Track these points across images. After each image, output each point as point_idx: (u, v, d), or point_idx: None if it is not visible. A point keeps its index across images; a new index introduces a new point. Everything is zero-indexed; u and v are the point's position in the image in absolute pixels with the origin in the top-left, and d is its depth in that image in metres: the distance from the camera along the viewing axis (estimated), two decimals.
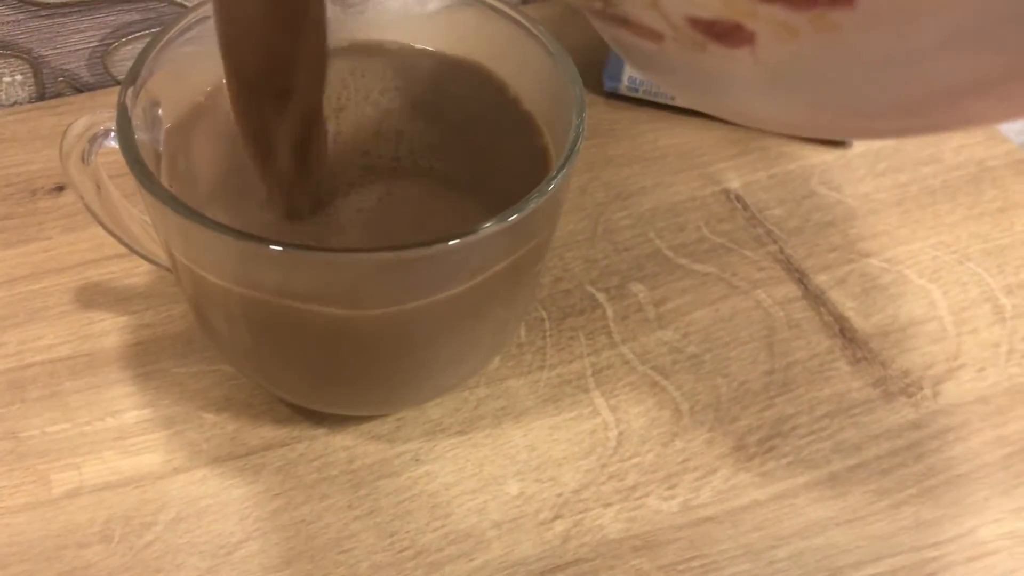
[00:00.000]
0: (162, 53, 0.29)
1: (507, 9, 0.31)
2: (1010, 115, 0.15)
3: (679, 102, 0.44)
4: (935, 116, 0.15)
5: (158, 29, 0.29)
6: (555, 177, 0.26)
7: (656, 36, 0.17)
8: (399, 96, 0.31)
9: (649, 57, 0.18)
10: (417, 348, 0.28)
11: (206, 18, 0.30)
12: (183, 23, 0.30)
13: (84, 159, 0.29)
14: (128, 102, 0.27)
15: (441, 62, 0.32)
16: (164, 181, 0.27)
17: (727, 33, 0.15)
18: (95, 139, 0.29)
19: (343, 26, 0.32)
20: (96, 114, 0.29)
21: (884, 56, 0.14)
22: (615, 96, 0.45)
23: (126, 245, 0.33)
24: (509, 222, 0.25)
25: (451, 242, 0.24)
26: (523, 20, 0.31)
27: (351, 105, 0.31)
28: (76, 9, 0.41)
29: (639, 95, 0.44)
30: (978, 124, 0.16)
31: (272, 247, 0.24)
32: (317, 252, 0.24)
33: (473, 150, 0.30)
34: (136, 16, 0.42)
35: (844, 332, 0.36)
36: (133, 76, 0.28)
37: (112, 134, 0.29)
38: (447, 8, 0.32)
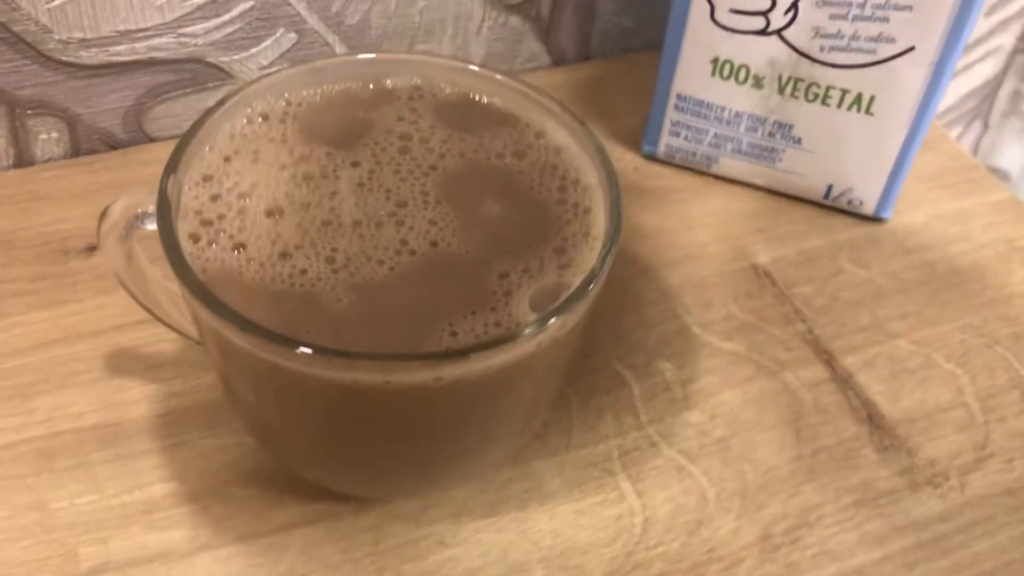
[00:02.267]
0: (198, 144, 0.29)
1: (541, 98, 0.31)
2: None
3: (713, 171, 0.44)
4: None
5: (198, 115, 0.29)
6: (597, 276, 0.26)
7: None
8: (450, 141, 0.31)
9: None
10: (444, 435, 0.28)
11: (239, 107, 0.31)
12: (222, 109, 0.30)
13: (122, 239, 0.30)
14: (169, 190, 0.27)
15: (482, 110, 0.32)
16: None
17: None
18: (132, 224, 0.29)
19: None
20: (134, 196, 0.29)
21: None
22: (651, 159, 0.45)
23: (157, 318, 0.33)
24: (549, 326, 0.25)
25: (488, 349, 0.25)
26: (557, 109, 0.31)
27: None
28: (112, 70, 0.41)
29: (675, 161, 0.45)
30: None
31: (302, 349, 0.24)
32: (347, 357, 0.24)
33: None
34: (171, 76, 0.42)
35: (872, 418, 0.36)
36: (174, 164, 0.28)
37: (149, 217, 0.29)
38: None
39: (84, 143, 0.43)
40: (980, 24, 0.61)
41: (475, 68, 0.32)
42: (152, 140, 0.44)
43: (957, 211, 0.44)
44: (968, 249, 0.43)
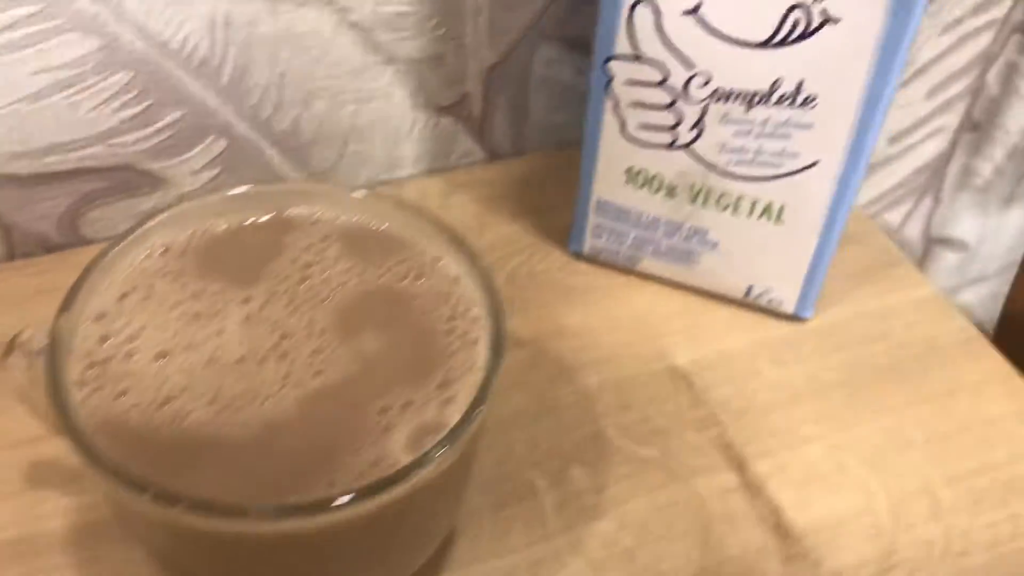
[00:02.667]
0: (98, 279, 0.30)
1: (439, 228, 0.32)
2: None
3: (637, 269, 0.45)
4: None
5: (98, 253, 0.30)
6: (476, 413, 0.27)
7: None
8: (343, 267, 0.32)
9: None
10: (334, 569, 0.29)
11: (141, 240, 0.31)
12: (125, 242, 0.31)
13: (27, 369, 0.30)
14: (62, 330, 0.28)
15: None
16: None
17: None
18: (33, 358, 0.30)
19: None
20: (37, 329, 0.30)
21: None
22: (579, 257, 0.46)
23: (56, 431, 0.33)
24: (426, 465, 0.26)
25: (362, 498, 0.25)
26: (453, 239, 0.32)
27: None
28: (45, 180, 0.42)
29: (600, 260, 0.45)
30: None
31: (177, 505, 0.24)
32: (221, 512, 0.25)
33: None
34: (103, 183, 0.44)
35: (779, 527, 0.37)
36: (69, 302, 0.29)
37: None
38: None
39: (19, 247, 0.44)
40: (923, 105, 0.62)
41: (377, 197, 0.33)
42: (88, 243, 0.45)
43: (880, 308, 0.45)
44: (888, 348, 0.43)
